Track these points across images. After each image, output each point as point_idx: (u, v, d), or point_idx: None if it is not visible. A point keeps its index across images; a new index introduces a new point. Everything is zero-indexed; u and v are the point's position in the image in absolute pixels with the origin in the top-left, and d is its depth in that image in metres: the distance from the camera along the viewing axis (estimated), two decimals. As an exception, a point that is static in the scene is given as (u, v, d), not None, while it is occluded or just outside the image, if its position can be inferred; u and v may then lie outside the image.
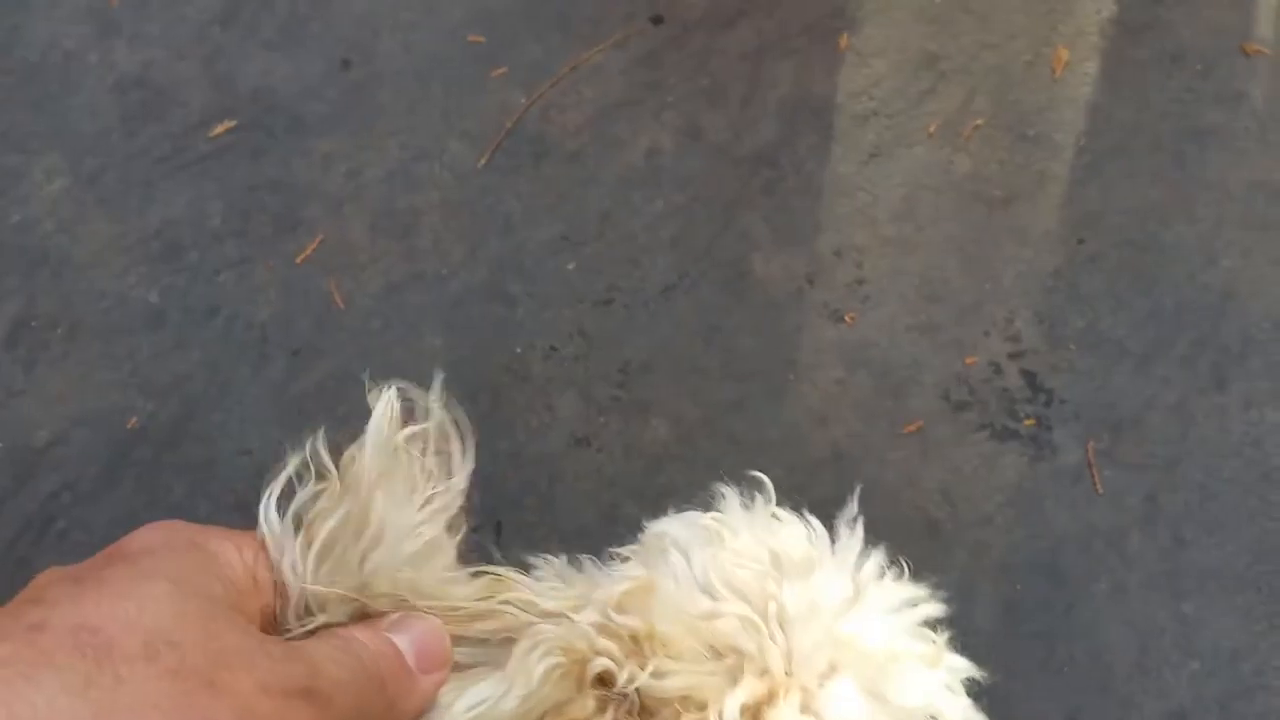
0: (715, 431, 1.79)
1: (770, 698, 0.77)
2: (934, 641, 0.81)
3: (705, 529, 0.88)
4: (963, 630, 1.65)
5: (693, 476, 1.75)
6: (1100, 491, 1.70)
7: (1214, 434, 1.74)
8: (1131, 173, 1.93)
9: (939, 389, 1.79)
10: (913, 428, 1.76)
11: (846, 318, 1.85)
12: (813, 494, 1.77)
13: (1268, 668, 1.60)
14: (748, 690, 0.78)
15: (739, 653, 0.79)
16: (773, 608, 0.79)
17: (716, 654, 0.79)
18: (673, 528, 0.90)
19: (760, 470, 1.76)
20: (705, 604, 0.81)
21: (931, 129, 1.97)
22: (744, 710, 0.77)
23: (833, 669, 0.78)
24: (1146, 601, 1.64)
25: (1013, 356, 1.80)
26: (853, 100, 2.02)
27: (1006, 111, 2.00)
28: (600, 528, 1.72)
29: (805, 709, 0.77)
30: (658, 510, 1.77)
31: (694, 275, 1.88)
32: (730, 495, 0.88)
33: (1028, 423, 1.75)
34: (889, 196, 1.92)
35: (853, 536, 0.85)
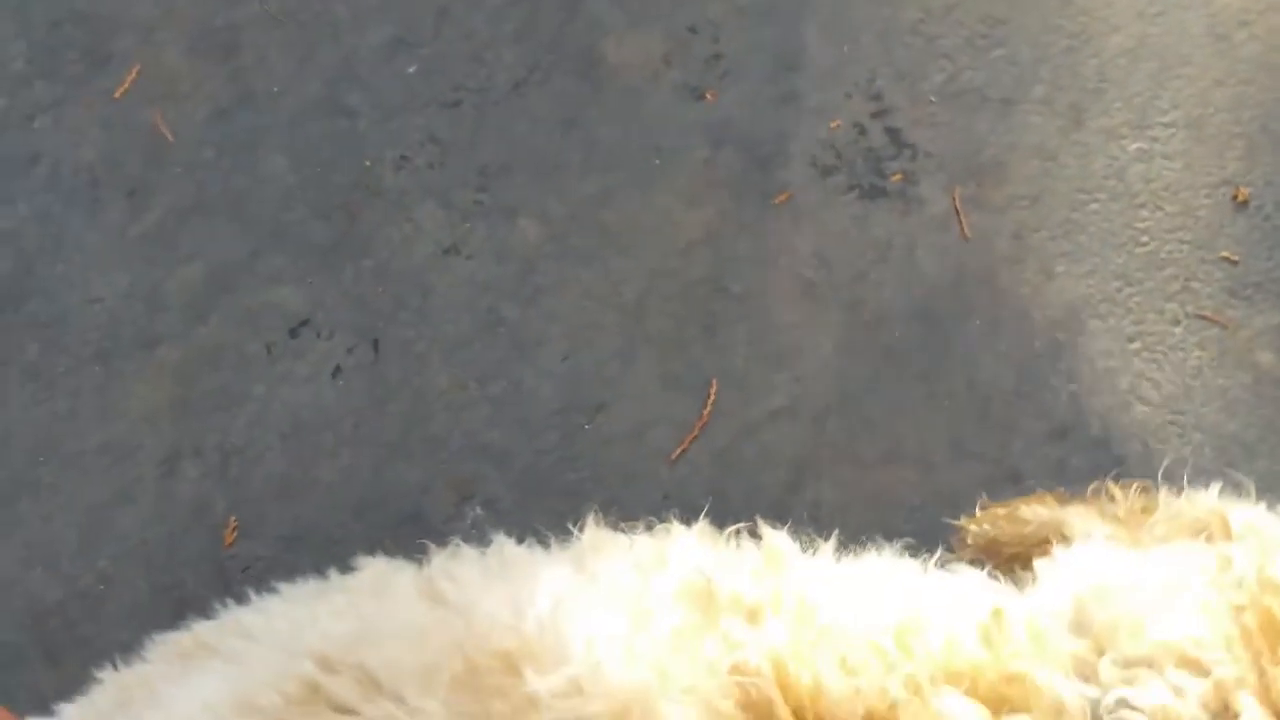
0: (585, 225, 1.70)
1: None
2: None
3: None
4: (840, 378, 1.64)
5: (566, 272, 1.67)
6: (968, 236, 1.68)
7: (1076, 170, 1.72)
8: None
9: (805, 156, 1.72)
10: (783, 198, 1.70)
11: (707, 95, 1.76)
12: (687, 274, 1.72)
13: (1142, 381, 1.63)
14: None
15: None
16: None
17: None
18: None
19: (632, 258, 1.69)
20: None
21: (777, -106, 1.85)
22: None
23: None
24: (1020, 334, 1.64)
25: (875, 115, 1.74)
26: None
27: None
28: (480, 335, 1.64)
29: None
30: (535, 309, 1.70)
31: (544, 67, 1.76)
32: None
33: (895, 178, 1.71)
34: (737, -30, 1.81)
35: None
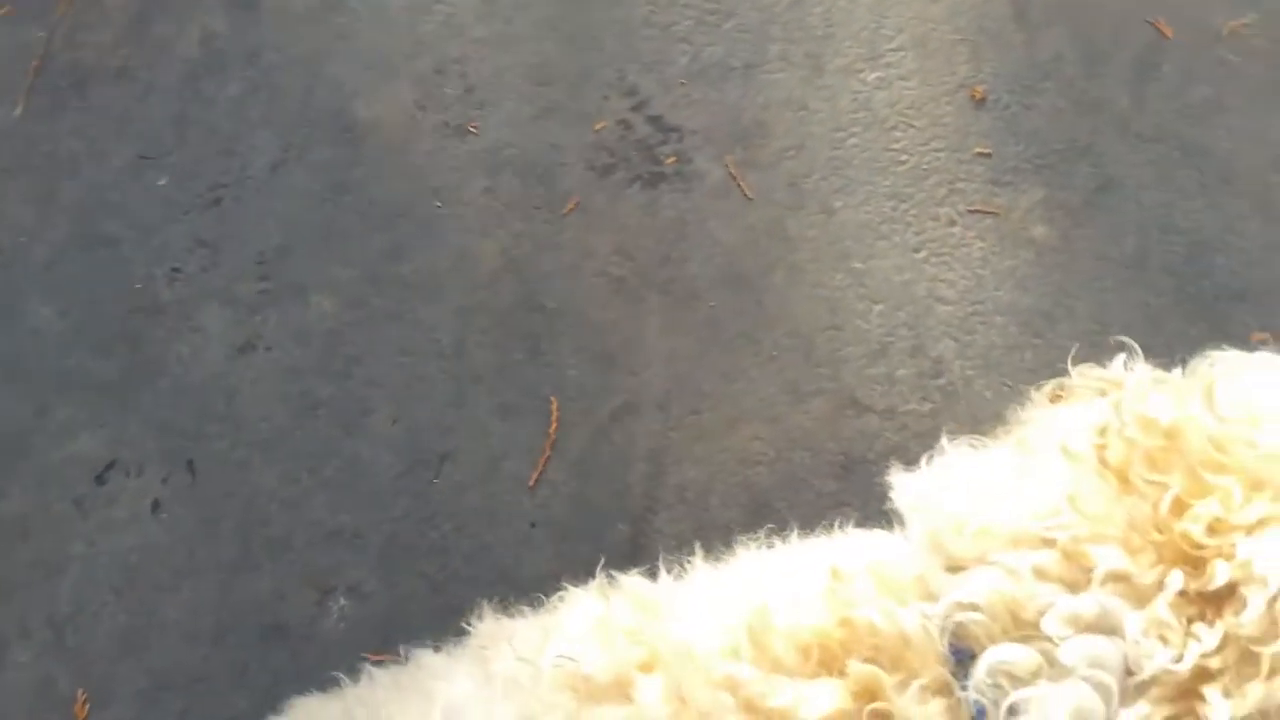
0: (381, 284, 1.66)
1: None
2: None
3: None
4: (671, 361, 1.65)
5: (374, 335, 1.62)
6: (750, 197, 1.73)
7: (828, 112, 1.80)
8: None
9: (582, 162, 1.74)
10: (571, 206, 1.71)
11: (470, 128, 1.76)
12: (498, 304, 1.71)
13: (937, 283, 1.71)
14: None
15: None
16: None
17: None
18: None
19: (439, 303, 1.65)
20: None
21: (483, -72, 1.89)
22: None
23: None
24: (820, 272, 1.69)
25: (635, 109, 1.78)
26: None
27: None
28: (300, 422, 1.57)
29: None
30: (352, 381, 1.64)
31: (299, 143, 1.72)
32: None
33: (669, 161, 1.74)
34: (465, 7, 1.83)
35: None
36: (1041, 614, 0.61)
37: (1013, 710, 0.60)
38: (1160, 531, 0.60)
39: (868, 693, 0.65)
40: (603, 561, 0.87)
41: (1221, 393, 0.65)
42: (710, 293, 1.66)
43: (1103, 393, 0.76)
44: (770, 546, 0.83)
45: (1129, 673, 0.58)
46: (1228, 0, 1.87)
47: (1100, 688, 0.58)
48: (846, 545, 0.81)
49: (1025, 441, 0.74)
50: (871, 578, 0.70)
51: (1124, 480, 0.63)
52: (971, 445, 0.82)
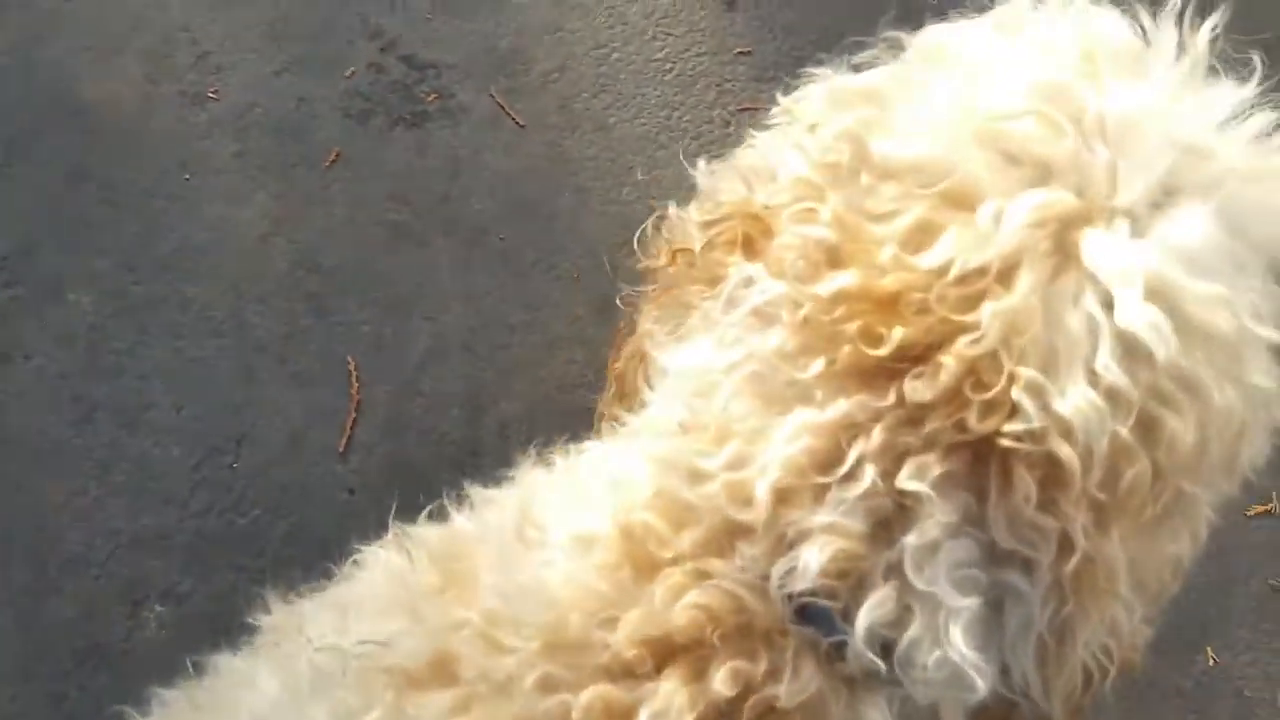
0: (142, 270, 1.51)
1: (1085, 218, 0.55)
2: None
3: (994, 24, 0.64)
4: (469, 300, 1.60)
5: (143, 323, 1.48)
6: (522, 124, 1.69)
7: (585, 30, 1.76)
8: None
9: (337, 112, 1.64)
10: (332, 158, 1.61)
11: (209, 94, 1.63)
12: (271, 269, 1.60)
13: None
14: (1053, 199, 0.55)
15: (1043, 165, 0.56)
16: (1091, 112, 0.57)
17: (1011, 159, 0.56)
18: (945, 33, 0.66)
19: (207, 279, 1.52)
20: (996, 102, 0.58)
21: (190, -118, 1.74)
22: (1042, 222, 0.54)
23: (1171, 192, 0.57)
24: (606, 189, 1.66)
25: (385, 50, 1.69)
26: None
27: None
28: (77, 429, 1.42)
29: (1137, 237, 0.55)
30: (126, 376, 1.49)
31: (24, 138, 1.55)
32: None
33: (431, 99, 1.67)
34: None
35: (1190, 35, 0.61)
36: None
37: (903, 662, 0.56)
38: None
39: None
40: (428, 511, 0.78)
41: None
42: (498, 225, 1.61)
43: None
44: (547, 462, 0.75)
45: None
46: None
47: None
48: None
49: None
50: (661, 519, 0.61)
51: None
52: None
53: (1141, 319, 0.52)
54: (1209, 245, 0.55)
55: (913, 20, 0.71)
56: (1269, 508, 1.55)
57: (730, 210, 0.66)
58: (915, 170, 0.57)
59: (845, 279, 0.55)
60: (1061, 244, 0.54)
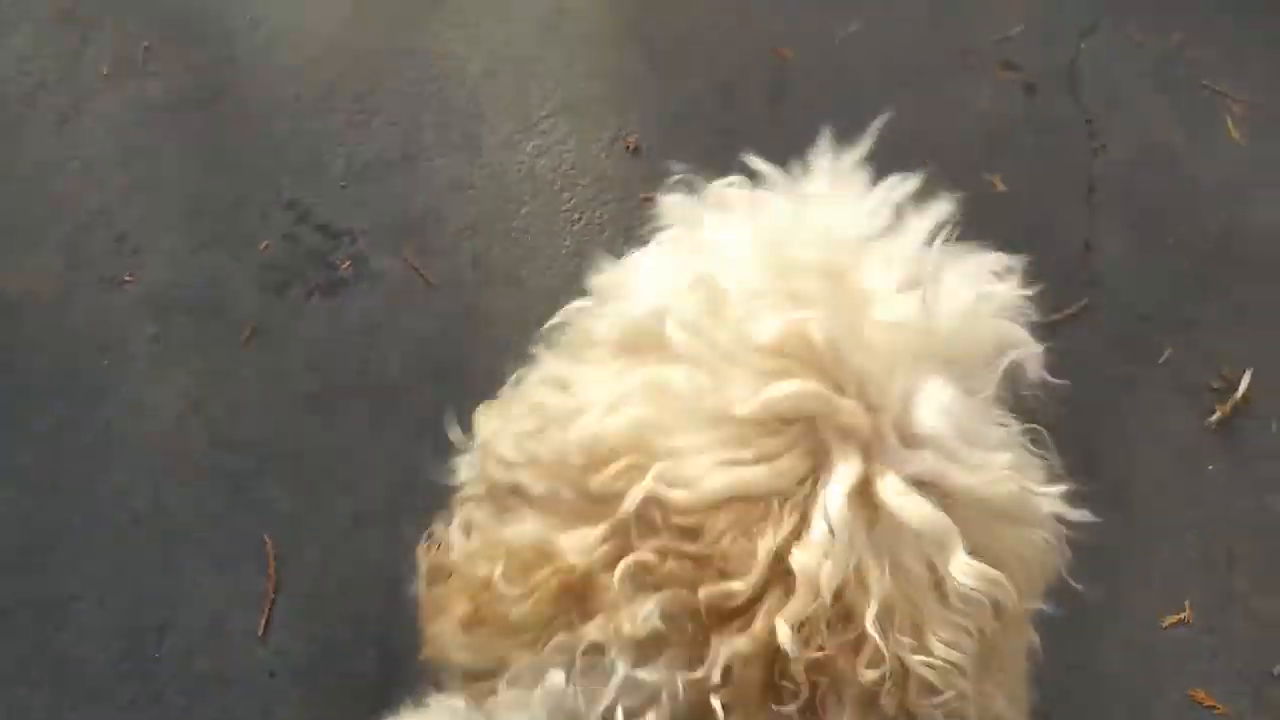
0: (61, 460, 1.53)
1: (870, 458, 0.55)
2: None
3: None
4: (393, 467, 1.61)
5: (64, 514, 1.50)
6: (433, 283, 1.73)
7: (495, 188, 1.82)
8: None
9: (254, 286, 1.68)
10: (248, 334, 1.64)
11: (126, 278, 1.66)
12: (188, 449, 1.61)
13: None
14: (845, 469, 0.55)
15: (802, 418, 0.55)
16: (816, 332, 0.56)
17: (771, 428, 0.55)
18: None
19: (125, 464, 1.52)
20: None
21: (104, 71, 1.80)
22: (851, 499, 0.54)
23: (914, 372, 0.57)
24: (520, 343, 1.71)
25: (299, 221, 1.74)
26: (10, 84, 1.78)
27: (166, 28, 1.88)
28: (-7, 633, 1.42)
29: (908, 445, 0.56)
30: (47, 575, 1.46)
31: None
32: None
33: (345, 266, 1.71)
34: (102, 156, 1.74)
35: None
36: None
37: None
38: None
39: None
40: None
41: None
42: (417, 389, 1.64)
43: None
44: None
45: None
46: (836, 12, 2.05)
47: None
48: None
49: None
50: None
51: None
52: None
53: (966, 576, 0.55)
54: (959, 417, 0.57)
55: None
56: (1181, 617, 1.57)
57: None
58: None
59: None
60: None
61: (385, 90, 1.87)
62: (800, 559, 0.53)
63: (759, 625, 0.53)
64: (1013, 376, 0.60)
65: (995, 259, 0.62)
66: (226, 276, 1.68)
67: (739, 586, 0.53)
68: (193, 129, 1.78)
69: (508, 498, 0.61)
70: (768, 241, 0.62)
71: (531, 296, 1.74)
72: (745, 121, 1.96)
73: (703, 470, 0.54)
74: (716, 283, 0.59)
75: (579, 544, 0.56)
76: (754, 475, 0.54)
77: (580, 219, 1.82)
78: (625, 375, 0.59)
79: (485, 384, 1.65)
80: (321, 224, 1.74)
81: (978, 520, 0.56)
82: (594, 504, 0.56)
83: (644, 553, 0.54)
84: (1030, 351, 0.60)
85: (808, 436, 0.55)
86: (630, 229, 1.83)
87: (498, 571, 0.58)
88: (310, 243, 1.72)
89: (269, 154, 1.78)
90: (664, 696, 0.54)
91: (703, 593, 0.53)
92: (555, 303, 1.74)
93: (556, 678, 0.56)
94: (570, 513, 0.57)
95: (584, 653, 0.55)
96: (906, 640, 0.53)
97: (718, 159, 1.92)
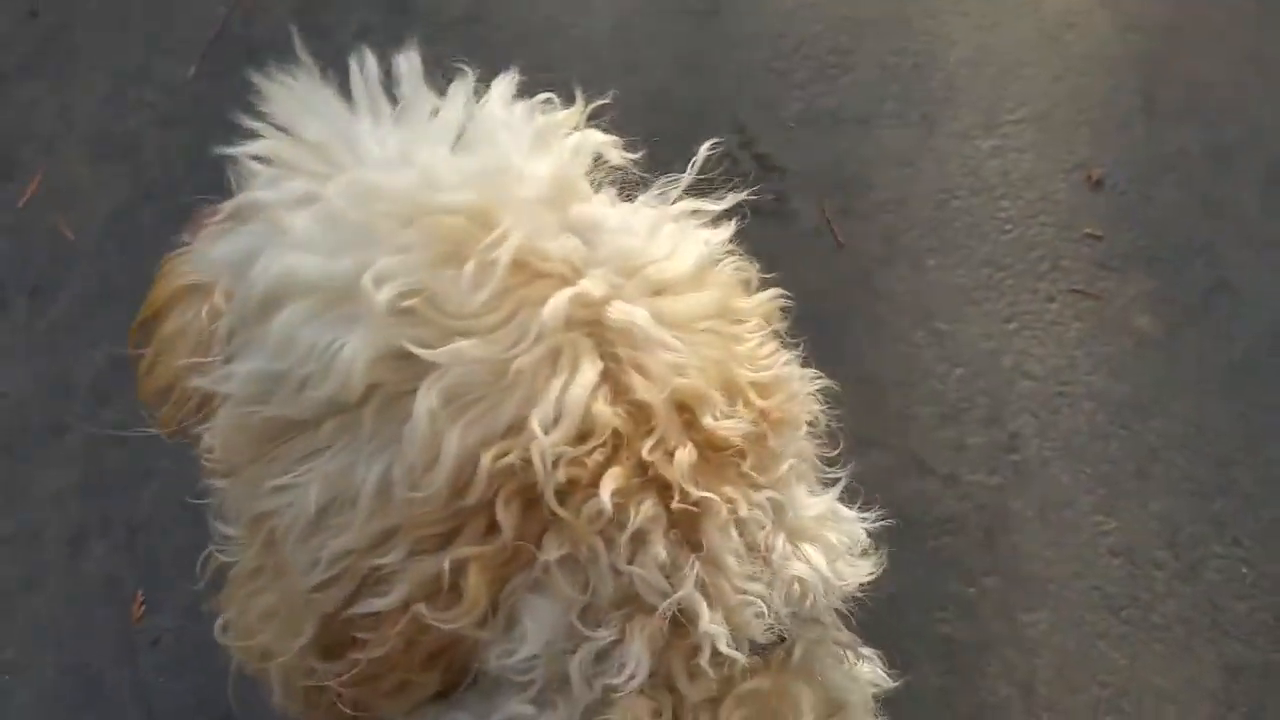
0: None
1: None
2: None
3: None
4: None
5: None
6: (841, 243, 1.70)
7: (935, 172, 1.75)
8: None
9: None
10: (664, 228, 1.72)
11: (582, 144, 1.80)
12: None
13: (1025, 357, 1.62)
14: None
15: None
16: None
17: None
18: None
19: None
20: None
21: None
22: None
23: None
24: (902, 326, 1.63)
25: (742, 145, 1.78)
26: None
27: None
28: None
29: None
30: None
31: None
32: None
33: (768, 198, 1.72)
34: (598, 27, 1.88)
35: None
36: None
37: None
38: None
39: None
40: None
41: None
42: (791, 329, 1.62)
43: None
44: None
45: None
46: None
47: None
48: None
49: None
50: None
51: None
52: None
53: None
54: None
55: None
56: None
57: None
58: None
59: None
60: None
61: (864, 52, 1.85)
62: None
63: None
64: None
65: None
66: (660, 169, 1.76)
67: None
68: (684, 32, 1.87)
69: None
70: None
71: (930, 287, 1.65)
72: (1231, 196, 1.71)
73: None
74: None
75: None
76: None
77: (1011, 231, 1.69)
78: None
79: (853, 349, 1.60)
80: (761, 154, 1.77)
81: None
82: None
83: None
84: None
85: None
86: (1058, 259, 1.67)
87: None
88: (744, 166, 1.75)
89: (738, 78, 1.83)
90: None
91: None
92: (950, 303, 1.65)
93: None
94: None
95: None
96: None
97: (1184, 228, 1.71)
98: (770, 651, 0.60)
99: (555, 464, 0.54)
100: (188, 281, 0.70)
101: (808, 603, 0.62)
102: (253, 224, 0.65)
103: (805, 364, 1.66)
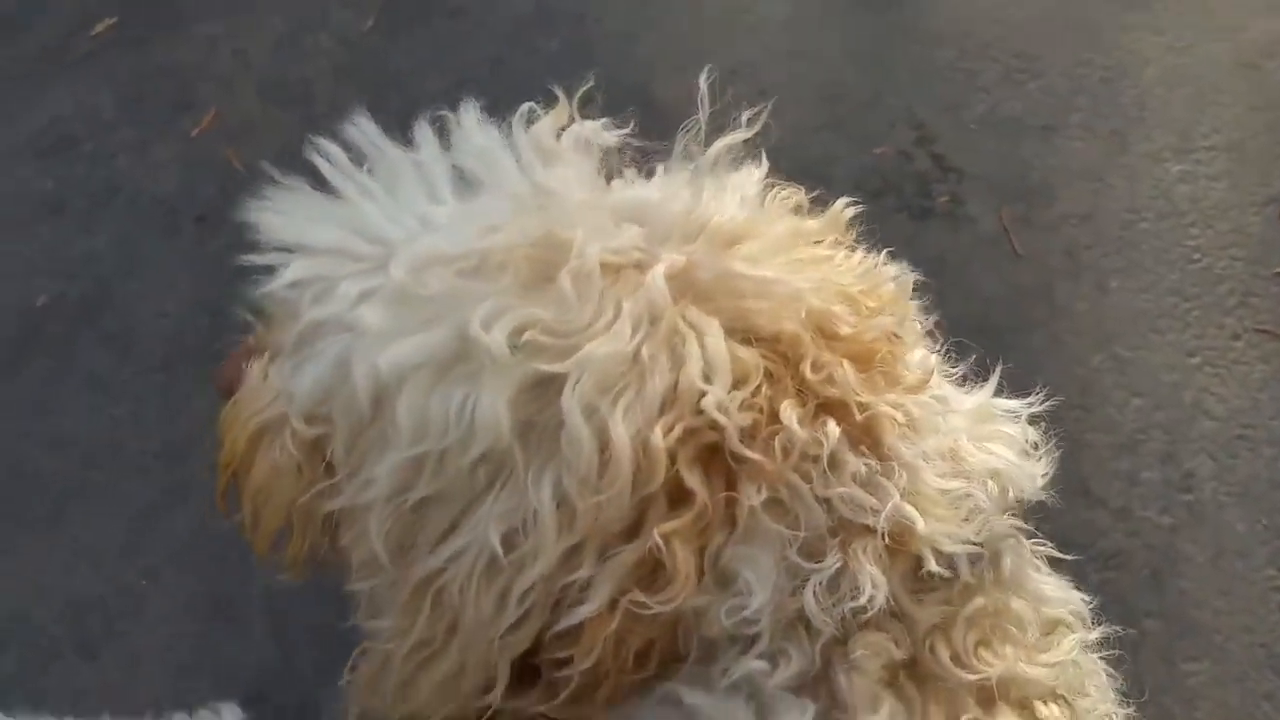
0: None
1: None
2: None
3: None
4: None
5: None
6: (1019, 253, 1.61)
7: (1124, 191, 1.65)
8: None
9: (850, 181, 1.69)
10: (831, 220, 1.65)
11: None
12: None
13: (1206, 395, 1.52)
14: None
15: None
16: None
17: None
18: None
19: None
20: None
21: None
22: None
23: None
24: (1080, 347, 1.54)
25: (919, 143, 1.71)
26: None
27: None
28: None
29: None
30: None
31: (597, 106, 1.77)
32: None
33: (943, 201, 1.66)
34: (772, 14, 1.84)
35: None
36: None
37: None
38: None
39: None
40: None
41: None
42: (956, 334, 1.54)
43: None
44: None
45: None
46: None
47: None
48: None
49: None
50: None
51: None
52: None
53: None
54: None
55: None
56: None
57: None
58: None
59: None
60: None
61: (1053, 59, 1.76)
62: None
63: None
64: None
65: None
66: (834, 161, 1.70)
67: None
68: (865, 25, 1.81)
69: None
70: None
71: (1113, 309, 1.56)
72: None
73: None
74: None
75: None
76: None
77: (1200, 260, 1.59)
78: None
79: (1028, 362, 1.52)
80: (938, 153, 1.69)
81: None
82: None
83: None
84: None
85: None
86: (1248, 295, 1.57)
87: None
88: (921, 165, 1.68)
89: (919, 74, 1.76)
90: None
91: None
92: (1134, 328, 1.56)
93: None
94: None
95: None
96: None
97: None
98: (979, 565, 0.58)
99: (732, 412, 0.54)
100: (255, 427, 0.69)
101: (1010, 496, 0.60)
102: (324, 340, 0.63)
103: (974, 377, 1.58)
